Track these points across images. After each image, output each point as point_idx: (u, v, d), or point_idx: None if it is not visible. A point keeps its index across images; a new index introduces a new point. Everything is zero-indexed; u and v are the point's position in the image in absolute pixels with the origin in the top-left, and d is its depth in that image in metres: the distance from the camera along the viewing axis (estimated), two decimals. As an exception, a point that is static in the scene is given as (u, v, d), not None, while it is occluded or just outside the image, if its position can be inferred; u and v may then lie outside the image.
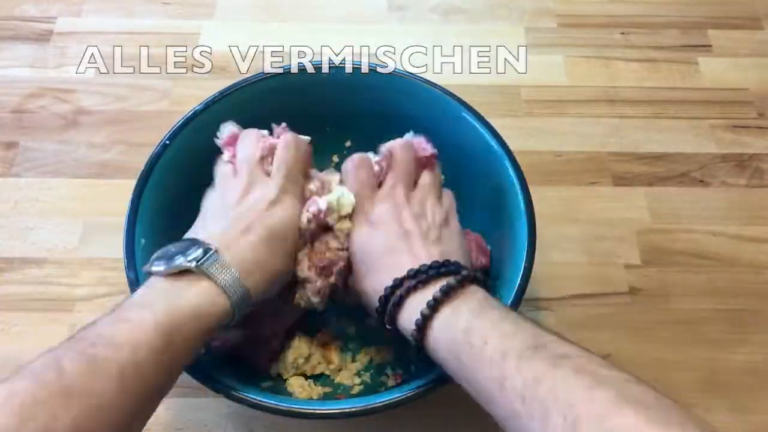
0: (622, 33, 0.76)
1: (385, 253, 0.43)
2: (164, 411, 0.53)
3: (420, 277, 0.40)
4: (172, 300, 0.37)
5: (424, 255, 0.42)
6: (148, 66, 0.71)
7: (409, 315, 0.39)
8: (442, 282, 0.39)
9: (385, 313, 0.41)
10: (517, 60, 0.73)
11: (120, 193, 0.52)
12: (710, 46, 0.75)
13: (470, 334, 0.36)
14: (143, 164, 0.50)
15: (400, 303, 0.40)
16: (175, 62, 0.72)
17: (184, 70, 0.71)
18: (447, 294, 0.38)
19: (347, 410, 0.42)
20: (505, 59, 0.73)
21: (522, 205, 0.49)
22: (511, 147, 0.52)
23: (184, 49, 0.73)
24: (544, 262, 0.59)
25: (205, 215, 0.45)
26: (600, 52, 0.74)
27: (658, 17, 0.77)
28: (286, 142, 0.47)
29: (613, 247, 0.61)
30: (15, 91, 0.69)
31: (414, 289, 0.40)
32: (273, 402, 0.42)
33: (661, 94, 0.71)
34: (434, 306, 0.38)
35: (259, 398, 0.42)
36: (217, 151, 0.56)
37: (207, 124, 0.54)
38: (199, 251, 0.39)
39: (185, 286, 0.38)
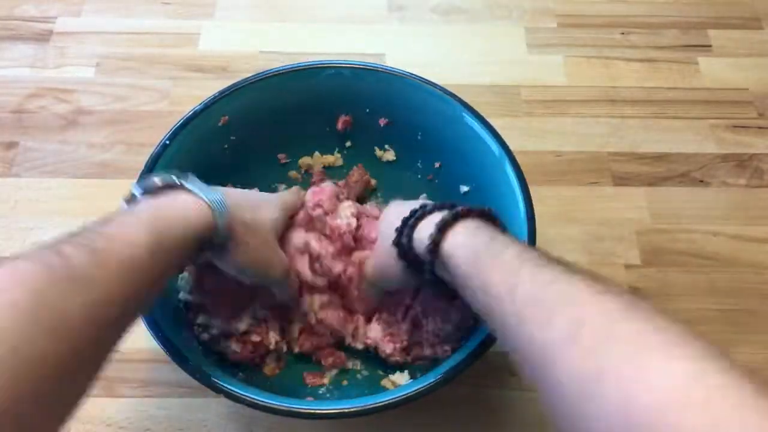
0: (622, 33, 0.76)
1: (402, 206, 0.46)
2: (164, 411, 0.53)
3: (438, 204, 0.42)
4: (159, 209, 0.38)
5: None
6: (148, 66, 0.71)
7: (421, 238, 0.41)
8: (450, 210, 0.41)
9: (402, 236, 0.42)
10: (517, 60, 0.73)
11: (120, 193, 0.51)
12: (710, 46, 0.75)
13: (493, 242, 0.37)
14: (143, 164, 0.50)
15: (421, 217, 0.42)
16: (174, 62, 0.72)
17: (183, 70, 0.71)
18: (454, 217, 0.40)
19: (347, 410, 0.42)
20: (505, 59, 0.73)
21: (522, 205, 0.49)
22: (511, 147, 0.52)
23: (183, 49, 0.73)
24: (544, 262, 0.59)
25: None
26: (600, 52, 0.74)
27: (658, 17, 0.77)
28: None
29: (613, 247, 0.61)
30: (15, 91, 0.69)
31: (435, 209, 0.42)
32: (273, 402, 0.42)
33: (661, 94, 0.71)
34: (456, 214, 0.40)
35: (259, 398, 0.42)
36: (217, 151, 0.56)
37: (207, 124, 0.54)
38: (173, 173, 0.41)
39: (169, 199, 0.40)
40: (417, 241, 0.42)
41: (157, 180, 0.40)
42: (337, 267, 0.50)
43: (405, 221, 0.43)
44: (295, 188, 0.54)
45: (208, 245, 0.41)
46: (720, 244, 0.61)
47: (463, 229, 0.39)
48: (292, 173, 0.62)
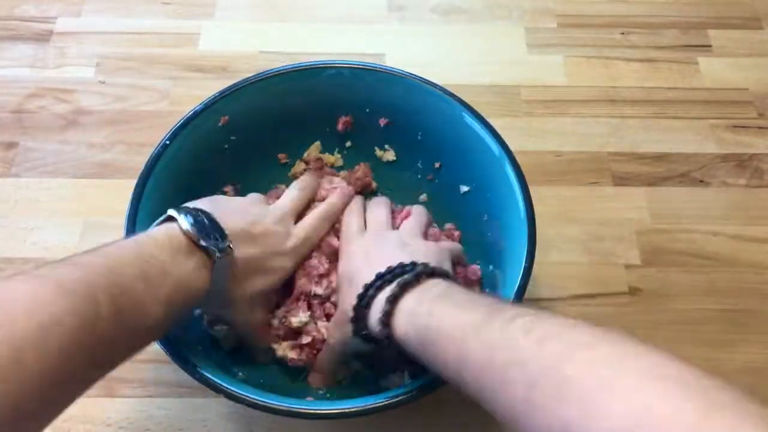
0: (622, 33, 0.76)
1: (361, 267, 0.45)
2: (164, 411, 0.53)
3: (385, 277, 0.42)
4: (183, 277, 0.39)
5: (390, 259, 0.44)
6: (148, 66, 0.71)
7: (376, 314, 0.41)
8: (404, 278, 0.41)
9: (359, 320, 0.43)
10: (517, 60, 0.73)
11: (120, 193, 0.51)
12: (710, 46, 0.75)
13: (431, 317, 0.37)
14: (143, 164, 0.50)
15: (368, 305, 0.42)
16: (174, 62, 0.72)
17: (183, 70, 0.71)
18: (403, 288, 0.40)
19: (347, 410, 0.42)
20: (505, 59, 0.73)
21: (522, 205, 0.49)
22: (511, 147, 0.52)
23: (183, 49, 0.73)
24: (544, 262, 0.59)
25: (228, 204, 0.49)
26: (600, 52, 0.74)
27: (658, 17, 0.77)
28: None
29: (613, 247, 0.61)
30: (15, 91, 0.69)
31: (380, 288, 0.42)
32: (273, 402, 0.42)
33: (661, 94, 0.71)
34: (393, 300, 0.39)
35: (259, 398, 0.42)
36: (217, 151, 0.56)
37: (207, 124, 0.54)
38: (223, 244, 0.42)
39: (197, 265, 0.40)
40: (371, 324, 0.42)
41: (209, 244, 0.41)
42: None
43: (359, 301, 0.43)
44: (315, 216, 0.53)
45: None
46: (720, 244, 0.61)
47: (405, 314, 0.39)
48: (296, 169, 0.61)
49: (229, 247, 0.42)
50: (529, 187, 0.50)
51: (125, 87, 0.70)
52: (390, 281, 0.41)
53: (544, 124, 0.68)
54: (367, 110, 0.58)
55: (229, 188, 0.58)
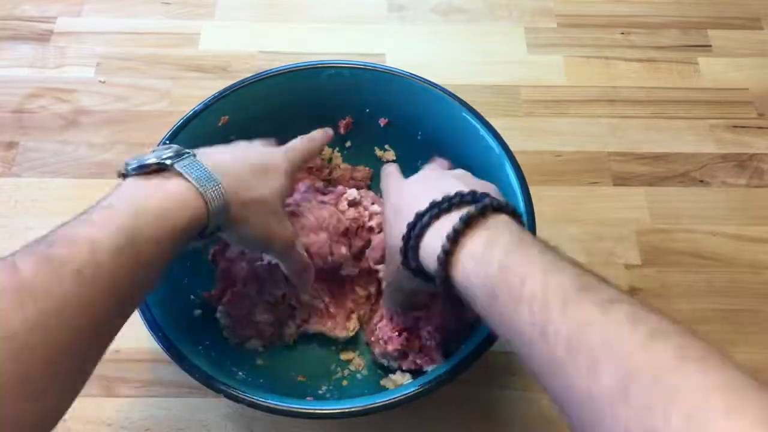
0: (622, 33, 0.76)
1: (412, 199, 0.40)
2: (164, 411, 0.53)
3: (442, 206, 0.37)
4: (139, 200, 0.36)
5: (448, 188, 0.38)
6: (148, 66, 0.71)
7: (433, 249, 0.36)
8: (464, 211, 0.36)
9: (408, 253, 0.38)
10: (517, 60, 0.73)
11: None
12: (710, 46, 0.75)
13: (507, 270, 0.32)
14: (143, 164, 0.50)
15: (420, 235, 0.37)
16: (174, 62, 0.72)
17: (183, 70, 0.71)
18: (467, 223, 0.35)
19: (347, 410, 0.42)
20: (505, 59, 0.73)
21: (522, 205, 0.49)
22: (511, 147, 0.52)
23: (183, 49, 0.73)
24: (544, 262, 0.59)
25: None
26: (600, 52, 0.74)
27: (658, 17, 0.77)
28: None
29: (613, 247, 0.61)
30: (15, 91, 0.69)
31: (436, 217, 0.37)
32: (273, 402, 0.42)
33: (661, 94, 0.71)
34: (454, 238, 0.34)
35: (259, 398, 0.42)
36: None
37: (207, 124, 0.54)
38: (171, 151, 0.38)
39: (155, 185, 0.37)
40: (424, 258, 0.37)
41: (151, 159, 0.38)
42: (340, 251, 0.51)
43: (409, 230, 0.38)
44: (304, 137, 0.51)
45: (200, 233, 0.39)
46: (720, 244, 0.61)
47: (471, 256, 0.34)
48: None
49: (186, 152, 0.39)
50: (529, 187, 0.50)
51: (125, 87, 0.70)
52: (448, 210, 0.37)
53: (544, 124, 0.68)
54: (367, 110, 0.58)
55: None
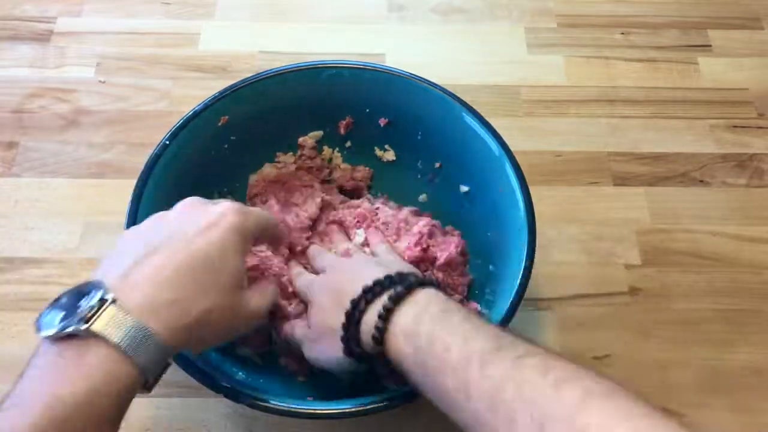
0: (622, 33, 0.76)
1: (338, 286, 0.42)
2: (164, 411, 0.53)
3: (374, 289, 0.39)
4: (54, 389, 0.30)
5: (376, 274, 0.40)
6: (148, 66, 0.71)
7: (368, 330, 0.38)
8: (393, 290, 0.38)
9: (349, 340, 0.39)
10: (517, 60, 0.73)
11: (120, 193, 0.52)
12: (710, 46, 0.75)
13: (433, 341, 0.35)
14: (143, 164, 0.50)
15: (359, 320, 0.39)
16: (174, 62, 0.72)
17: (183, 70, 0.71)
18: (396, 300, 0.37)
19: (347, 410, 0.42)
20: (505, 59, 0.73)
21: (522, 205, 0.48)
22: (511, 147, 0.52)
23: (183, 49, 0.73)
24: (544, 262, 0.59)
25: (117, 248, 0.38)
26: (600, 52, 0.74)
27: (658, 17, 0.77)
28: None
29: (613, 247, 0.61)
30: (15, 91, 0.69)
31: (369, 302, 0.39)
32: (273, 402, 0.42)
33: (660, 94, 0.71)
34: (386, 316, 0.37)
35: (259, 398, 0.42)
36: (217, 151, 0.56)
37: (207, 124, 0.54)
38: (93, 300, 0.32)
39: (72, 361, 0.31)
40: (363, 338, 0.39)
41: (58, 327, 0.31)
42: None
43: (348, 318, 0.39)
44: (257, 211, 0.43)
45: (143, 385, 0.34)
46: (720, 244, 0.61)
47: (402, 332, 0.36)
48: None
49: (103, 298, 0.33)
50: (529, 187, 0.50)
51: (125, 87, 0.70)
52: (379, 294, 0.39)
53: (544, 124, 0.68)
54: (367, 110, 0.58)
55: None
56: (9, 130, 0.67)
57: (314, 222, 0.56)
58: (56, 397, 0.29)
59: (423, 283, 0.39)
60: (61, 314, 0.32)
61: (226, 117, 0.55)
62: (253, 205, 0.58)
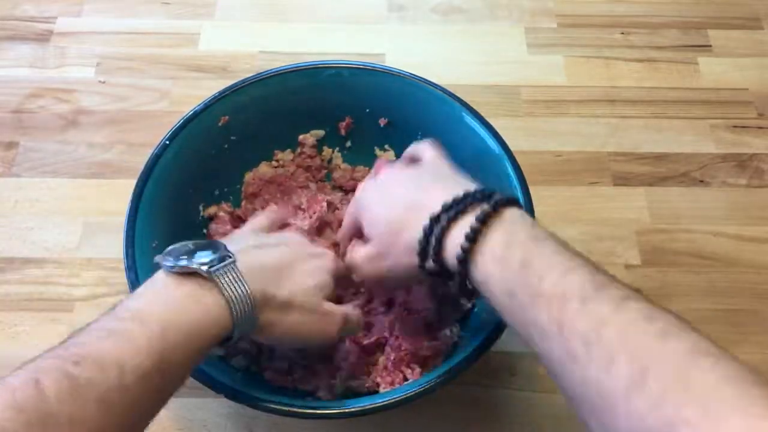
0: (622, 33, 0.76)
1: (409, 196, 0.41)
2: (164, 411, 0.52)
3: (458, 208, 0.37)
4: (171, 314, 0.34)
5: (449, 188, 0.39)
6: (148, 66, 0.71)
7: (453, 249, 0.37)
8: (478, 209, 0.37)
9: (427, 257, 0.38)
10: (517, 60, 0.73)
11: (120, 193, 0.52)
12: (710, 46, 0.75)
13: (527, 269, 0.34)
14: (143, 164, 0.50)
15: (441, 238, 0.37)
16: (174, 62, 0.72)
17: (183, 70, 0.71)
18: (484, 221, 0.36)
19: (347, 410, 0.42)
20: (505, 59, 0.73)
21: (522, 205, 0.48)
22: (511, 147, 0.52)
23: (183, 49, 0.73)
24: (544, 262, 0.59)
25: (235, 235, 0.46)
26: (600, 52, 0.74)
27: (658, 17, 0.77)
28: None
29: (613, 247, 0.61)
30: (15, 91, 0.69)
31: (453, 220, 0.37)
32: (273, 402, 0.42)
33: (661, 94, 0.71)
34: (473, 236, 0.35)
35: (259, 398, 0.42)
36: (218, 151, 0.56)
37: (207, 124, 0.54)
38: (215, 255, 0.37)
39: (189, 295, 0.35)
40: (446, 257, 0.38)
41: (192, 265, 0.36)
42: None
43: (427, 234, 0.38)
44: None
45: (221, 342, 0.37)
46: (720, 244, 0.61)
47: (493, 255, 0.35)
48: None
49: (228, 256, 0.37)
50: (529, 187, 0.50)
51: (125, 87, 0.70)
52: (462, 210, 0.37)
53: (544, 124, 0.68)
54: (367, 110, 0.58)
55: (223, 206, 0.57)
56: (9, 130, 0.67)
57: (321, 224, 0.56)
58: (173, 322, 0.34)
59: (508, 202, 0.38)
60: (185, 257, 0.36)
61: (226, 117, 0.55)
62: (251, 205, 0.58)
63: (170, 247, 0.38)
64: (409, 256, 0.40)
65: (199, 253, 0.37)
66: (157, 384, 0.32)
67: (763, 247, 0.61)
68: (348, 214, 0.48)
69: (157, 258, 0.37)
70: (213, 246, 0.38)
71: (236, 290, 0.36)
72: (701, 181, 0.65)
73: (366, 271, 0.44)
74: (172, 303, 0.35)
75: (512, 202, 0.38)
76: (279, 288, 0.40)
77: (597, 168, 0.66)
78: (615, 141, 0.67)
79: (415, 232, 0.39)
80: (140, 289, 0.36)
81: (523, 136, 0.67)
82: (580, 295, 0.31)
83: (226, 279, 0.36)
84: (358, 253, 0.45)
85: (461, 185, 0.40)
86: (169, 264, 0.36)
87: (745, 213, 0.63)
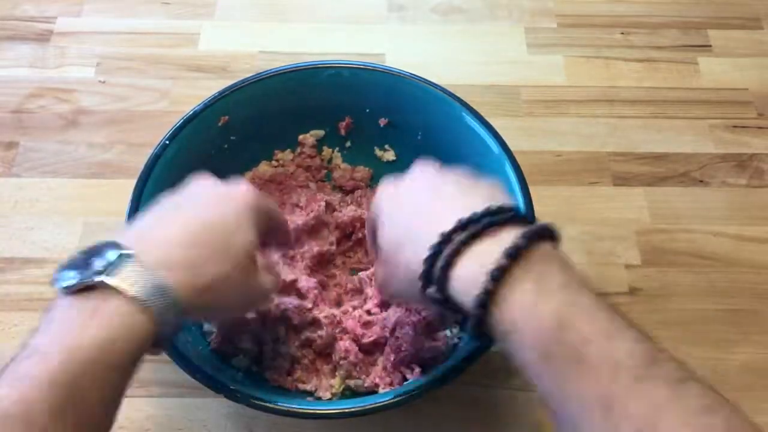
0: (622, 33, 0.76)
1: (422, 206, 0.36)
2: (164, 411, 0.53)
3: (472, 228, 0.32)
4: (73, 338, 0.30)
5: (469, 202, 0.34)
6: (148, 66, 0.71)
7: (468, 282, 0.31)
8: (504, 237, 0.31)
9: (432, 282, 0.33)
10: (517, 60, 0.73)
11: (120, 193, 0.52)
12: (710, 46, 0.75)
13: (567, 328, 0.28)
14: (143, 164, 0.50)
15: (450, 263, 0.32)
16: (174, 62, 0.72)
17: (183, 70, 0.71)
18: (515, 257, 0.30)
19: (347, 410, 0.42)
20: (505, 59, 0.73)
21: (522, 206, 0.49)
22: (511, 147, 0.52)
23: (183, 49, 0.73)
24: (544, 262, 0.59)
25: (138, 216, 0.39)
26: (600, 52, 0.74)
27: (658, 17, 0.77)
28: None
29: (613, 247, 0.61)
30: (15, 91, 0.69)
31: (466, 244, 0.31)
32: (273, 402, 0.42)
33: (660, 94, 0.71)
34: (499, 275, 0.30)
35: (259, 398, 0.42)
36: (217, 151, 0.56)
37: (207, 124, 0.54)
38: (109, 256, 0.32)
39: (91, 311, 0.31)
40: (455, 290, 0.32)
41: (76, 279, 0.31)
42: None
43: (433, 256, 0.33)
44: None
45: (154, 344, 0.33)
46: (720, 244, 0.61)
47: (519, 302, 0.30)
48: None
49: (122, 252, 0.33)
50: (529, 187, 0.50)
51: (125, 87, 0.70)
52: (481, 233, 0.31)
53: (544, 124, 0.68)
54: (367, 110, 0.58)
55: None
56: (9, 130, 0.67)
57: (317, 223, 0.56)
58: (74, 346, 0.29)
59: (541, 232, 0.32)
60: (76, 271, 0.32)
61: (226, 117, 0.55)
62: None
63: (61, 263, 0.33)
64: (409, 277, 0.35)
65: (93, 260, 0.32)
66: (74, 419, 0.28)
67: (763, 247, 0.61)
68: (367, 220, 0.44)
69: (52, 281, 0.33)
70: (104, 247, 0.33)
71: (145, 285, 0.32)
72: (701, 181, 0.65)
73: (383, 288, 0.42)
74: (71, 322, 0.31)
75: (545, 231, 0.33)
76: (197, 266, 0.34)
77: (597, 168, 0.66)
78: (615, 141, 0.67)
79: (420, 248, 0.33)
80: (42, 321, 0.32)
81: (522, 136, 0.67)
82: (632, 370, 0.27)
83: (128, 280, 0.31)
84: (375, 268, 0.41)
85: (483, 197, 0.34)
86: (62, 285, 0.32)
87: (745, 213, 0.63)
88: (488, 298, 0.30)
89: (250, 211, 0.38)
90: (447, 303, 0.33)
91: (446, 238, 0.32)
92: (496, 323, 0.31)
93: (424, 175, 0.40)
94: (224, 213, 0.37)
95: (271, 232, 0.43)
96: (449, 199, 0.35)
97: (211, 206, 0.38)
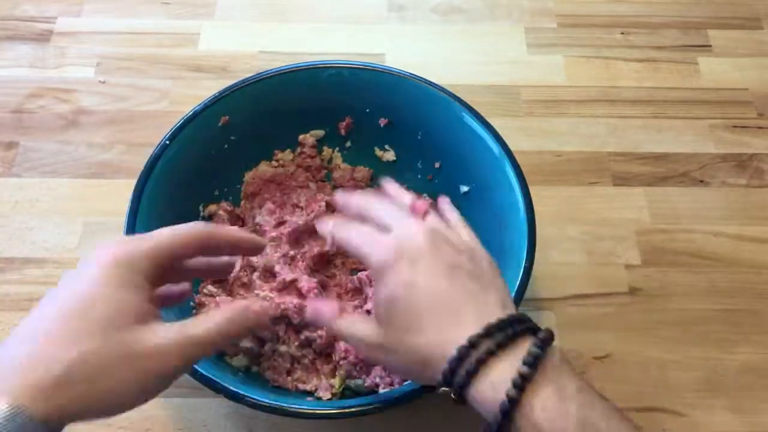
0: (622, 33, 0.76)
1: (438, 299, 0.35)
2: (164, 411, 0.53)
3: (498, 336, 0.33)
4: None
5: (489, 303, 0.35)
6: (148, 66, 0.71)
7: (488, 389, 0.33)
8: (521, 345, 0.33)
9: (451, 385, 0.34)
10: (517, 60, 0.73)
11: (120, 193, 0.52)
12: (710, 46, 0.75)
13: (587, 427, 0.31)
14: (143, 164, 0.50)
15: (476, 371, 0.33)
16: (174, 62, 0.72)
17: (183, 70, 0.71)
18: (534, 367, 0.32)
19: (347, 410, 0.42)
20: (505, 59, 0.73)
21: (522, 206, 0.49)
22: (511, 147, 0.52)
23: (183, 49, 0.73)
24: (544, 262, 0.59)
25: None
26: (600, 52, 0.74)
27: (658, 17, 0.77)
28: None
29: (613, 247, 0.61)
30: (15, 91, 0.69)
31: (492, 354, 0.33)
32: (273, 402, 0.42)
33: (661, 94, 0.71)
34: (522, 385, 0.31)
35: (259, 398, 0.42)
36: (217, 151, 0.56)
37: (207, 124, 0.54)
38: None
39: None
40: (477, 397, 0.33)
41: None
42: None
43: (462, 353, 0.33)
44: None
45: None
46: (720, 244, 0.61)
47: (545, 394, 0.31)
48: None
49: None
50: (529, 187, 0.50)
51: (125, 87, 0.70)
52: (504, 345, 0.33)
53: (544, 124, 0.68)
54: (367, 110, 0.58)
55: (222, 205, 0.57)
56: (9, 130, 0.67)
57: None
58: None
59: (550, 339, 0.34)
60: None
61: (226, 117, 0.55)
62: (250, 205, 0.58)
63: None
64: (411, 360, 0.35)
65: None
66: None
67: (763, 247, 0.61)
68: (362, 255, 0.38)
69: None
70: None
71: None
72: (701, 181, 0.65)
73: (360, 351, 0.42)
74: None
75: (552, 337, 0.34)
76: (46, 358, 0.29)
77: (597, 168, 0.66)
78: (615, 141, 0.68)
79: (434, 343, 0.34)
80: None
81: (522, 136, 0.67)
82: None
83: None
84: (359, 331, 0.38)
85: (496, 303, 0.35)
86: None
87: (745, 213, 0.63)
88: (513, 405, 0.31)
89: (115, 268, 0.32)
90: (458, 402, 0.35)
91: (473, 344, 0.33)
92: (516, 428, 0.32)
93: (440, 252, 0.37)
94: (75, 286, 0.32)
95: (210, 253, 0.38)
96: (467, 294, 0.35)
97: (62, 286, 0.32)
